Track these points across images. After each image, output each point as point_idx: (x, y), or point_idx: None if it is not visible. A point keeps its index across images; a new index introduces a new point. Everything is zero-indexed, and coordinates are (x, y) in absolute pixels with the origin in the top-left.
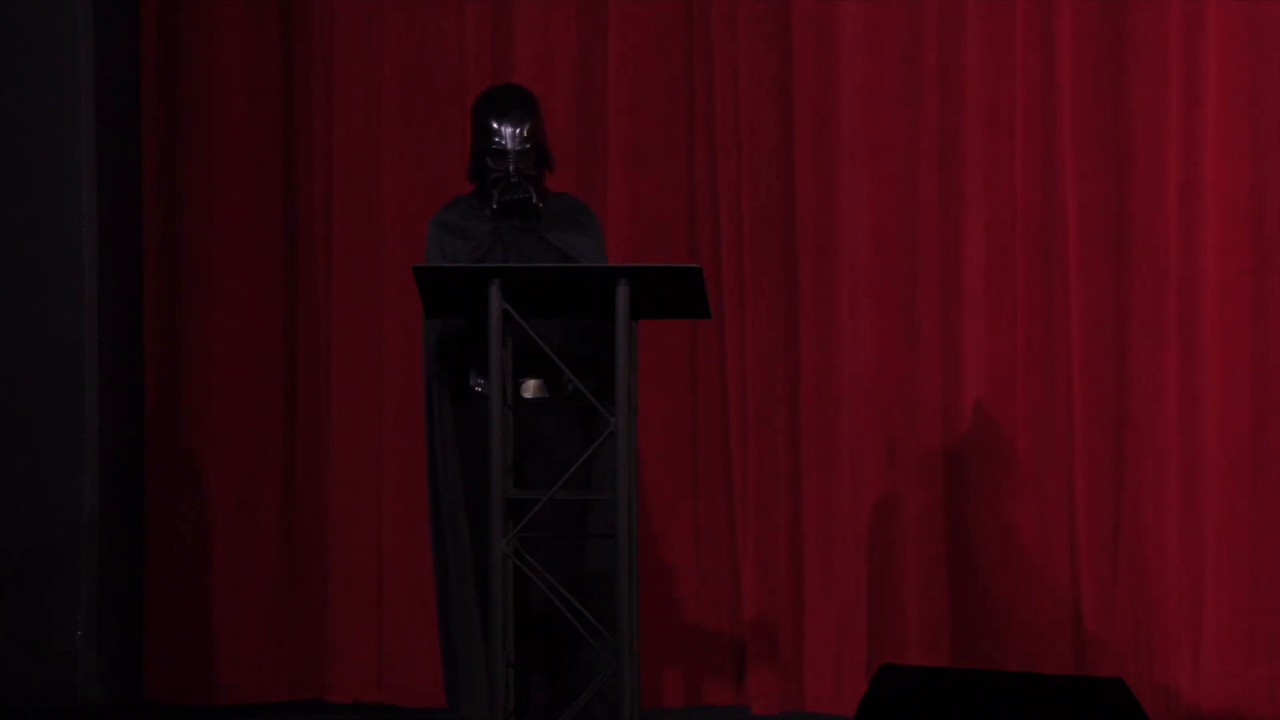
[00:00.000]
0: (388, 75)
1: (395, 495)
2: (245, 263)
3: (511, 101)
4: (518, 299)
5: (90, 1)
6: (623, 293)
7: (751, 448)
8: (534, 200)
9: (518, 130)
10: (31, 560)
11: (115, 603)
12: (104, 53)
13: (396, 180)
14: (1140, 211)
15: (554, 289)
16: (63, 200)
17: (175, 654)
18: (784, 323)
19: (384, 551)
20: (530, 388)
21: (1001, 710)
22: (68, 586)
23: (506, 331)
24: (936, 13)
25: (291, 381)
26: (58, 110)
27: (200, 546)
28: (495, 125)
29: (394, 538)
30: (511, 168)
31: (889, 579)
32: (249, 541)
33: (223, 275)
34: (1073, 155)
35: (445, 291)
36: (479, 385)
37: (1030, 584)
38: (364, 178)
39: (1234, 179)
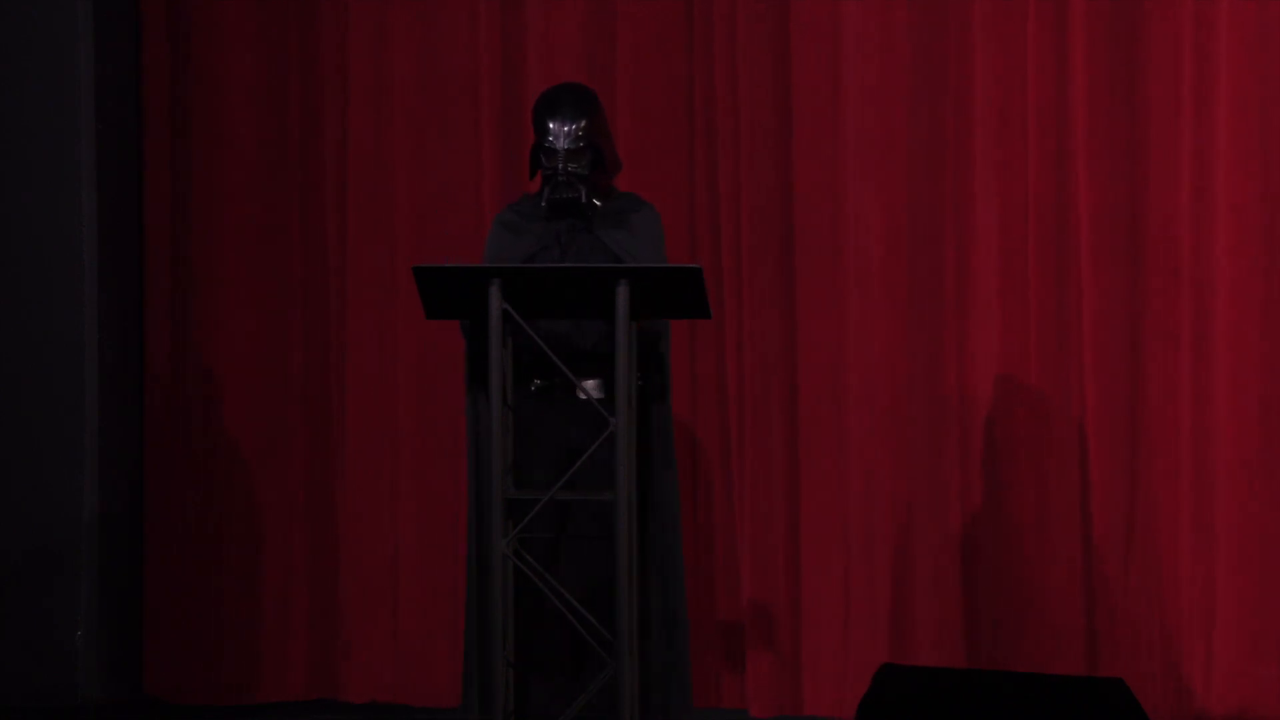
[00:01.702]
0: (396, 74)
1: (409, 494)
2: (250, 261)
3: (564, 100)
4: (518, 299)
5: (90, 1)
6: (623, 293)
7: (749, 448)
8: (582, 200)
9: (569, 128)
10: (31, 560)
11: (115, 603)
12: (104, 53)
13: (406, 179)
14: (1152, 211)
15: (555, 289)
16: (63, 200)
17: (176, 653)
18: (782, 322)
19: (399, 551)
20: (589, 388)
21: (1002, 710)
22: (68, 586)
23: (507, 331)
24: (944, 13)
25: (300, 380)
26: (58, 110)
27: (203, 546)
28: (548, 124)
29: (408, 537)
30: (560, 166)
31: (897, 580)
32: (256, 541)
33: (227, 274)
34: (1085, 155)
35: (445, 292)
36: (535, 384)
37: (1042, 584)
38: (374, 176)
39: (1246, 179)
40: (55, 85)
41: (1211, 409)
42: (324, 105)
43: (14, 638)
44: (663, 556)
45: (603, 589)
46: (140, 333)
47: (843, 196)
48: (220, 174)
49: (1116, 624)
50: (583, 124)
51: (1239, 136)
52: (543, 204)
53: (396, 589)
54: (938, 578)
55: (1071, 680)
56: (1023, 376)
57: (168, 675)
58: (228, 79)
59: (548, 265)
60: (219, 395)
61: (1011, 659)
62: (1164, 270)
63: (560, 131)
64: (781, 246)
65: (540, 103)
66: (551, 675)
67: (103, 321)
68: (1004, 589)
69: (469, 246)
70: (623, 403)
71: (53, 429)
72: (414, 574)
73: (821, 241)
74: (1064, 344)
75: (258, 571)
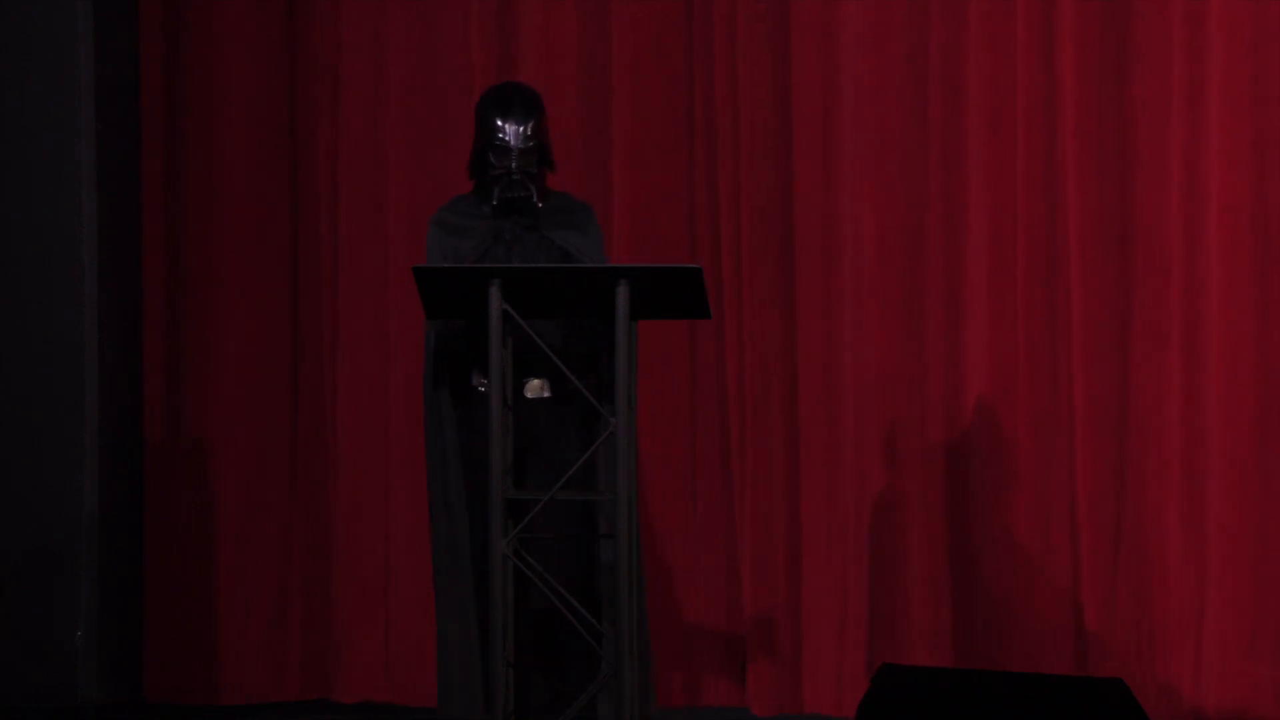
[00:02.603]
0: (393, 75)
1: (401, 494)
2: (248, 262)
3: (516, 99)
4: (518, 299)
5: (90, 1)
6: (623, 293)
7: (750, 448)
8: (534, 199)
9: (521, 128)
10: (31, 560)
11: (115, 603)
12: (104, 53)
13: (401, 179)
14: (1142, 212)
15: (554, 289)
16: (63, 200)
17: (175, 654)
18: (782, 322)
19: (390, 550)
20: (533, 387)
21: (1002, 711)
22: (68, 586)
23: (507, 332)
24: (938, 13)
25: (295, 381)
26: (58, 110)
27: (202, 546)
28: (499, 122)
29: (400, 536)
30: (514, 164)
31: (891, 579)
32: (252, 541)
33: (225, 274)
34: (1074, 156)
35: (445, 292)
36: (482, 385)
37: (1032, 584)
38: (369, 177)
39: (1237, 180)
40: (55, 85)
41: (1202, 410)
42: (319, 105)
43: (14, 638)
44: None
45: (575, 588)
46: (140, 333)
47: (842, 197)
48: (217, 174)
49: (1106, 624)
50: (533, 124)
51: (1230, 136)
52: (494, 203)
53: (389, 589)
54: (934, 577)
55: (1071, 680)
56: (1013, 377)
57: (167, 676)
58: (224, 79)
59: (549, 265)
60: (216, 395)
61: (1004, 658)
62: (1154, 271)
63: (514, 131)
64: (781, 247)
65: (489, 102)
66: (535, 674)
67: (103, 321)
68: (995, 589)
69: None
70: (622, 403)
71: (53, 429)
72: (407, 574)
73: (821, 242)
74: (1054, 345)
75: (254, 572)
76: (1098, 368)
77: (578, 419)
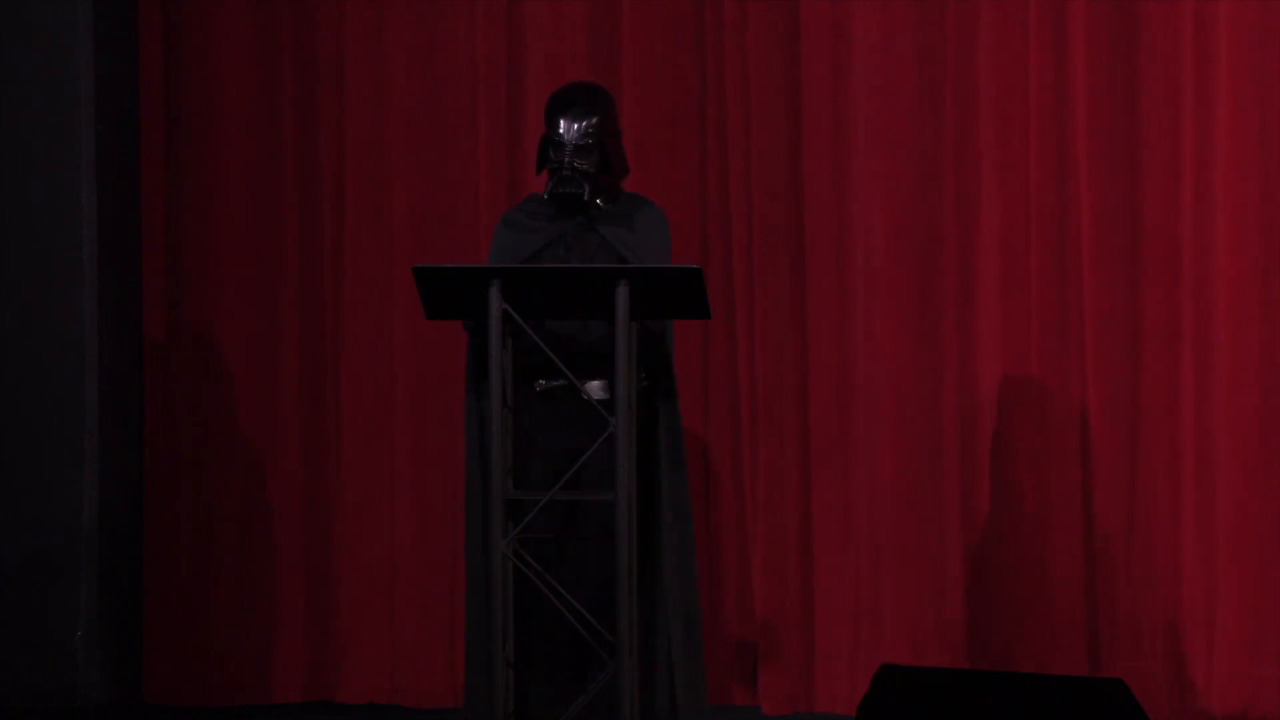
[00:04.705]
0: (397, 75)
1: (406, 495)
2: (248, 264)
3: (576, 97)
4: (518, 299)
5: (90, 2)
6: (622, 293)
7: (762, 448)
8: (585, 196)
9: (577, 124)
10: (32, 560)
11: (115, 603)
12: (104, 53)
13: (406, 180)
14: (1153, 212)
15: (555, 289)
16: (63, 200)
17: (175, 655)
18: (794, 322)
19: (396, 551)
20: (594, 388)
21: (1001, 711)
22: (68, 587)
23: (507, 332)
24: (950, 13)
25: (299, 381)
26: (58, 110)
27: (202, 546)
28: (558, 119)
29: (406, 537)
30: (566, 160)
31: (902, 578)
32: (254, 541)
33: (225, 276)
34: (1086, 156)
35: (446, 292)
36: (539, 384)
37: (1043, 584)
38: (373, 177)
39: (1245, 179)
40: (55, 85)
41: (1212, 408)
42: (321, 106)
43: (14, 638)
44: (678, 556)
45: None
46: (140, 332)
47: (855, 196)
48: (217, 176)
49: (1118, 622)
50: (593, 121)
51: (1239, 136)
52: (545, 196)
53: (393, 590)
54: (942, 577)
55: (1071, 680)
56: (1025, 376)
57: (167, 677)
58: (225, 79)
59: (547, 266)
60: (217, 396)
61: (1015, 657)
62: (1164, 269)
63: (569, 127)
64: (792, 246)
65: (553, 98)
66: (554, 676)
67: (103, 322)
68: (1008, 588)
69: (466, 247)
70: (622, 403)
71: (53, 429)
72: (411, 575)
73: (833, 241)
74: (1065, 343)
75: (256, 573)
76: (1109, 366)
77: (640, 420)
